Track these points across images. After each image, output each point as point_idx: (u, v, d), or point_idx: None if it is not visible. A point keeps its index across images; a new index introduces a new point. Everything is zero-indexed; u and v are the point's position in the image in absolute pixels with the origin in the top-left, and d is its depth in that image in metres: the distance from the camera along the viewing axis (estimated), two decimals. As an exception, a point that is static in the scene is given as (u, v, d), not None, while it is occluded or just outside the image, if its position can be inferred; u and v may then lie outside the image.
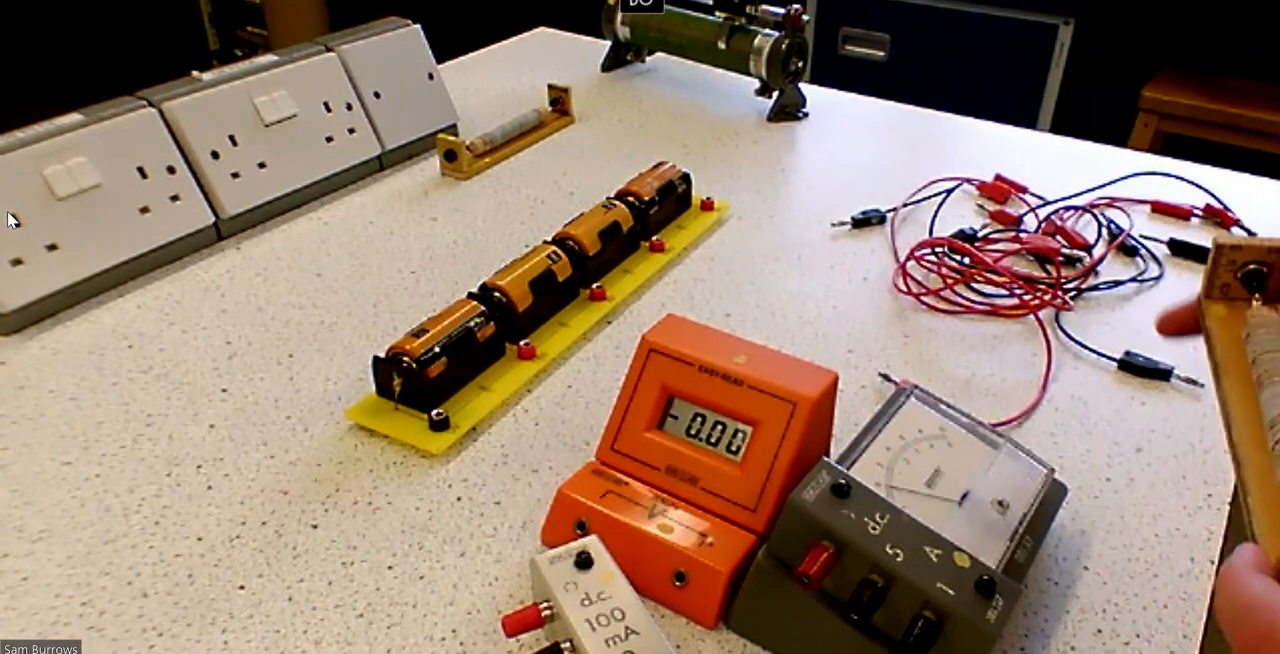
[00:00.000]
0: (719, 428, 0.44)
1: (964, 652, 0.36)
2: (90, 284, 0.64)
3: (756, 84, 0.95)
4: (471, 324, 0.55)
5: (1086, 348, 0.61)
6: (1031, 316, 0.64)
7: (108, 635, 0.41)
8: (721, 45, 0.93)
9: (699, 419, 0.45)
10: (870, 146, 0.92)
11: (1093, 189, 0.79)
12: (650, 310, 0.64)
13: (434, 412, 0.52)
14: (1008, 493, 0.43)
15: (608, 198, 0.69)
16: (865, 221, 0.75)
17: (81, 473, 0.49)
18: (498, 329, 0.57)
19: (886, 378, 0.58)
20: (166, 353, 0.59)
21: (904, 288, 0.67)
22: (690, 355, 0.45)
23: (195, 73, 0.72)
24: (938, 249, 0.69)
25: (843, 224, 0.75)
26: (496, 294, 0.58)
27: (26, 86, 2.78)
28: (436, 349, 0.53)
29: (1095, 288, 0.68)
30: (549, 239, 0.64)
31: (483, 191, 0.80)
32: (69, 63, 2.98)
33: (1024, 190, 0.79)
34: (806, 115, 0.95)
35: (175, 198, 0.67)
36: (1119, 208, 0.77)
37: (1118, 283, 0.68)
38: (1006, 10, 1.90)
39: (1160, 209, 0.77)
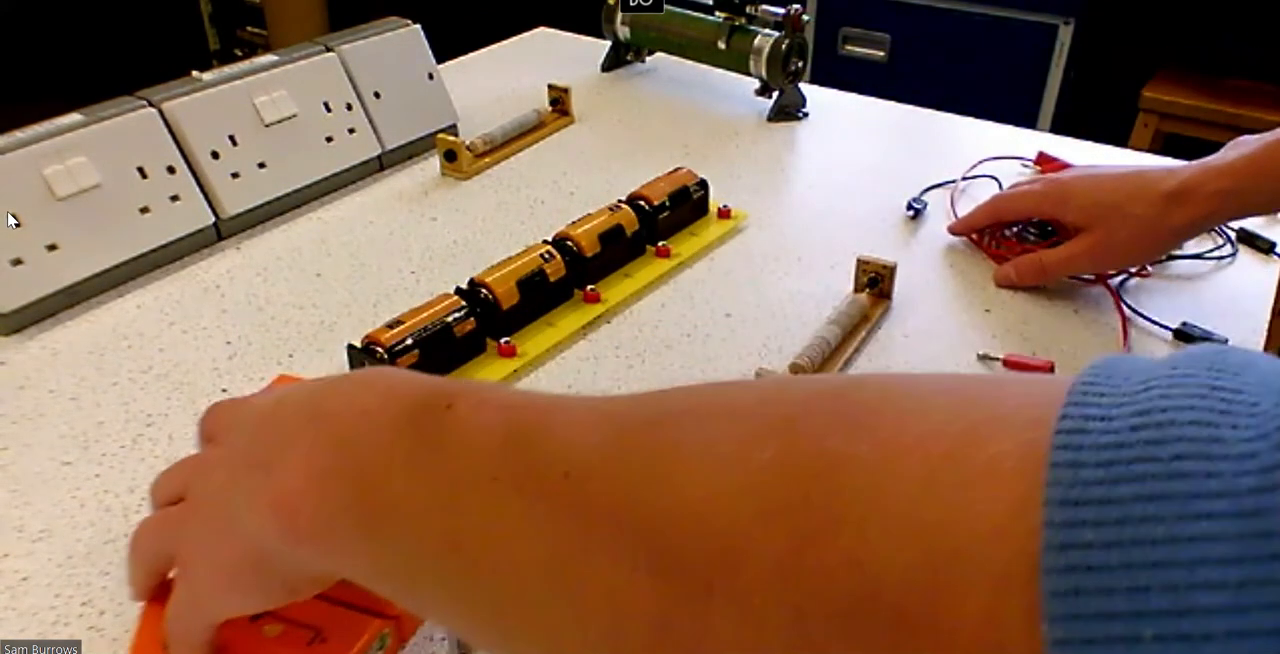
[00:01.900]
0: None
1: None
2: (90, 284, 0.64)
3: (756, 84, 0.95)
4: (450, 318, 0.55)
5: (1146, 317, 0.64)
6: (1102, 287, 0.66)
7: (108, 635, 0.41)
8: (721, 45, 0.93)
9: None
10: (870, 146, 0.92)
11: None
12: (649, 312, 0.64)
13: None
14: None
15: (617, 200, 0.69)
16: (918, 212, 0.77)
17: (81, 473, 0.49)
18: (479, 325, 0.57)
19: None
20: (166, 353, 0.59)
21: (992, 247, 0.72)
22: None
23: (195, 73, 0.72)
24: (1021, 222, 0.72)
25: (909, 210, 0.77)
26: (482, 290, 0.58)
27: (26, 86, 2.78)
28: (409, 340, 0.53)
29: (1165, 260, 0.71)
30: (548, 239, 0.64)
31: (483, 191, 0.80)
32: (69, 63, 2.98)
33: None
34: (806, 115, 0.95)
35: (175, 198, 0.67)
36: None
37: (1195, 257, 0.71)
38: (1006, 10, 1.90)
39: None
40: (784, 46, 0.90)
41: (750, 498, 0.20)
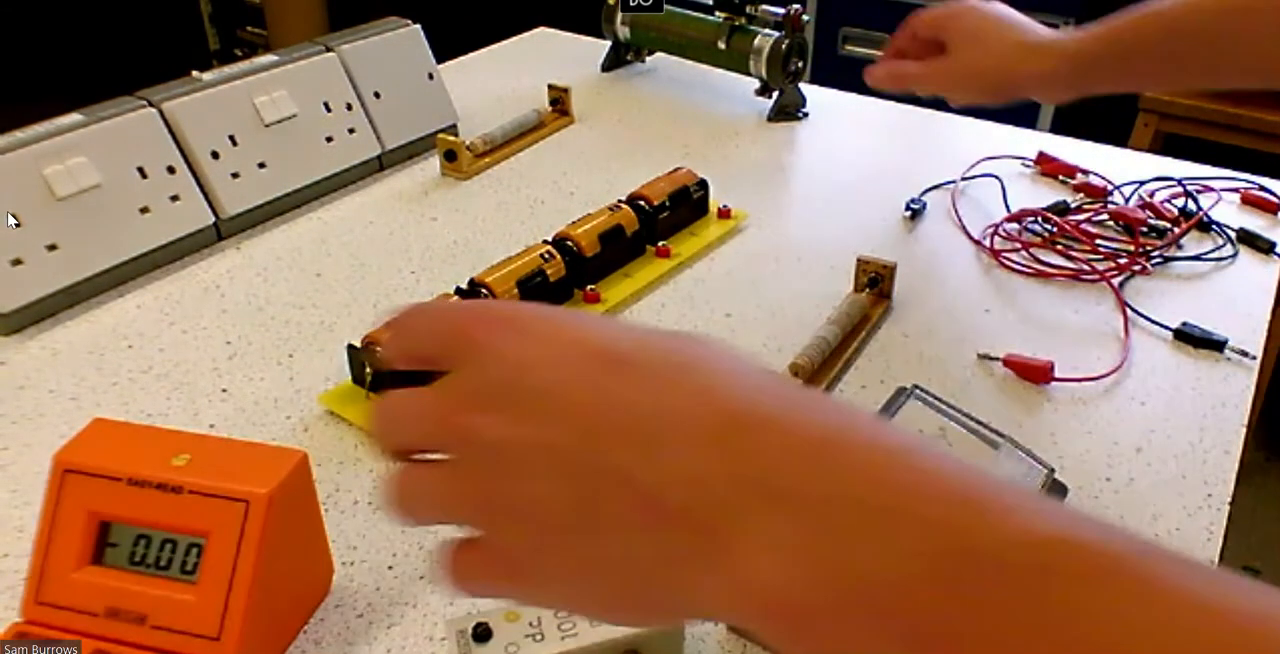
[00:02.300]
0: (168, 547, 0.37)
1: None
2: (90, 284, 0.64)
3: (756, 84, 0.95)
4: None
5: (1146, 317, 0.63)
6: (1105, 285, 0.67)
7: (108, 635, 0.41)
8: (721, 45, 0.93)
9: (143, 542, 0.38)
10: (870, 146, 0.92)
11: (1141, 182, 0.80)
12: (649, 312, 0.64)
13: None
14: (1008, 493, 0.43)
15: (617, 200, 0.69)
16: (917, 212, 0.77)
17: (81, 473, 0.49)
18: None
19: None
20: (166, 353, 0.59)
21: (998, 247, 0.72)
22: (115, 469, 0.37)
23: (195, 73, 0.72)
24: (1025, 220, 0.74)
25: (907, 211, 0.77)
26: (482, 291, 0.58)
27: (26, 86, 2.78)
28: None
29: (1165, 261, 0.70)
30: (548, 239, 0.64)
31: (483, 191, 0.80)
32: (69, 63, 2.98)
33: (1080, 171, 0.82)
34: (806, 115, 0.95)
35: (175, 198, 0.67)
36: (1213, 191, 0.79)
37: (1195, 258, 0.71)
38: (1006, 10, 1.90)
39: (1250, 200, 0.79)
40: (784, 46, 0.90)
41: None
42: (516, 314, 0.27)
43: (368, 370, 0.53)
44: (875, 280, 0.64)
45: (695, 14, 0.96)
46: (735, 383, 0.24)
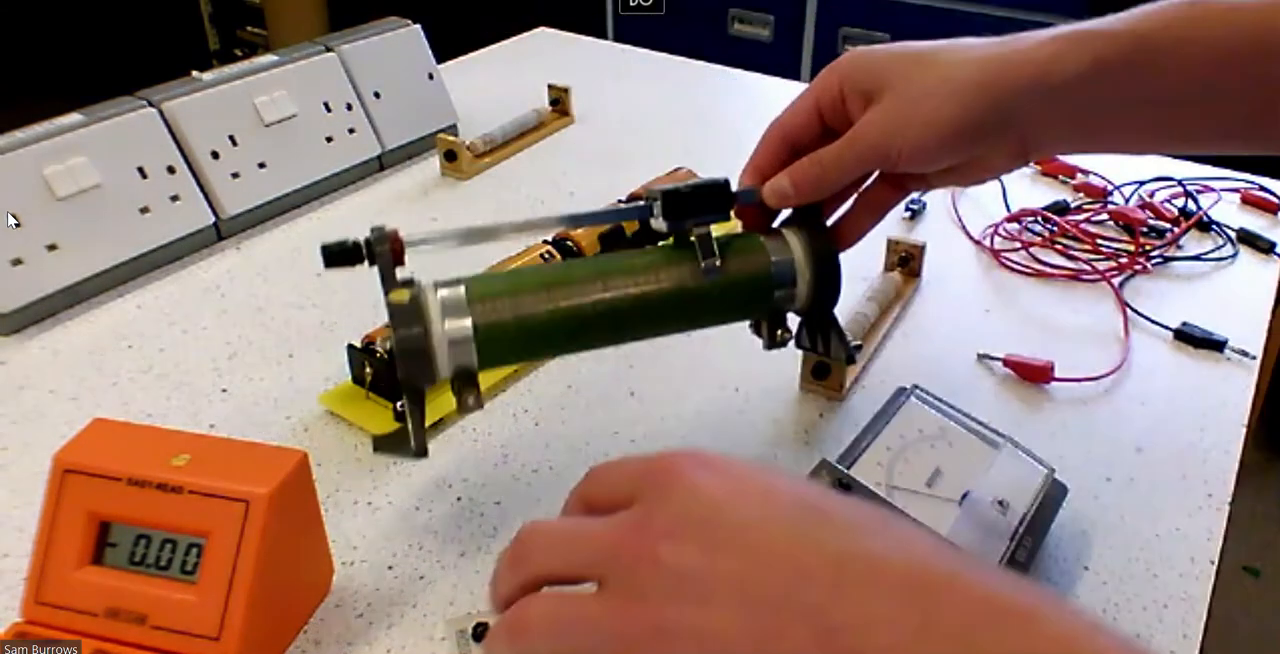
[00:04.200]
0: (168, 547, 0.38)
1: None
2: (90, 284, 0.64)
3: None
4: None
5: (1146, 317, 0.63)
6: (1105, 285, 0.67)
7: (108, 635, 0.40)
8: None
9: (143, 542, 0.38)
10: (870, 146, 0.92)
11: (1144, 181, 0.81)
12: (650, 310, 0.64)
13: (399, 403, 0.51)
14: (1008, 493, 0.43)
15: (617, 200, 0.69)
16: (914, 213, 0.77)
17: (81, 473, 0.49)
18: None
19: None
20: (166, 353, 0.59)
21: (998, 247, 0.72)
22: (115, 469, 0.37)
23: (195, 73, 0.72)
24: (1025, 220, 0.74)
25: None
26: None
27: (27, 86, 2.78)
28: None
29: (1165, 261, 0.70)
30: (548, 239, 0.64)
31: (483, 191, 0.80)
32: (69, 62, 2.98)
33: (1080, 171, 0.82)
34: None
35: (175, 198, 0.67)
36: (1213, 191, 0.79)
37: (1195, 258, 0.71)
38: (1006, 10, 1.90)
39: (1250, 200, 0.79)
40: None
41: None
42: (726, 460, 0.28)
43: (368, 370, 0.53)
44: (905, 259, 0.67)
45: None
46: (922, 539, 0.25)
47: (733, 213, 0.47)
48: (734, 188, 0.46)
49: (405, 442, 0.44)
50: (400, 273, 0.42)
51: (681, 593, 0.25)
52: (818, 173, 0.45)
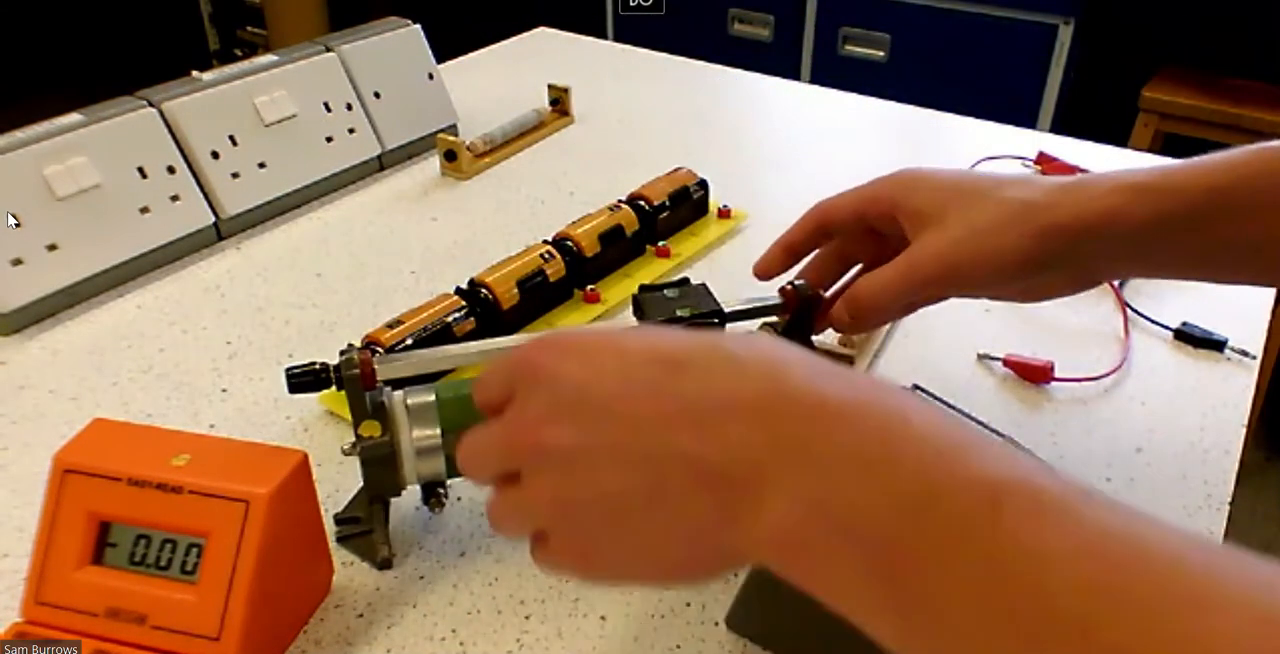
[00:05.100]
0: (168, 547, 0.37)
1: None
2: (90, 284, 0.64)
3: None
4: (449, 319, 0.55)
5: (1146, 317, 0.63)
6: (1105, 285, 0.66)
7: (108, 635, 0.40)
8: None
9: (143, 542, 0.38)
10: (870, 146, 0.92)
11: None
12: (650, 310, 0.64)
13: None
14: (1008, 493, 0.43)
15: (617, 200, 0.69)
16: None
17: (81, 473, 0.49)
18: (479, 325, 0.57)
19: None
20: (166, 353, 0.59)
21: None
22: (115, 469, 0.37)
23: (195, 73, 0.72)
24: None
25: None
26: (483, 291, 0.58)
27: (27, 86, 2.78)
28: (409, 341, 0.53)
29: None
30: (548, 239, 0.64)
31: (483, 191, 0.80)
32: (69, 62, 2.98)
33: (1080, 171, 0.81)
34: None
35: (175, 198, 0.67)
36: None
37: None
38: (1006, 10, 1.90)
39: None
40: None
41: None
42: (578, 339, 0.31)
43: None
44: None
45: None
46: (772, 363, 0.28)
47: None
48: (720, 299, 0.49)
49: (369, 546, 0.45)
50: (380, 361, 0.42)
51: (573, 468, 0.29)
52: (868, 307, 0.46)
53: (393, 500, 0.48)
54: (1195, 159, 0.43)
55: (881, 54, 2.09)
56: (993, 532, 0.23)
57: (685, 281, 0.51)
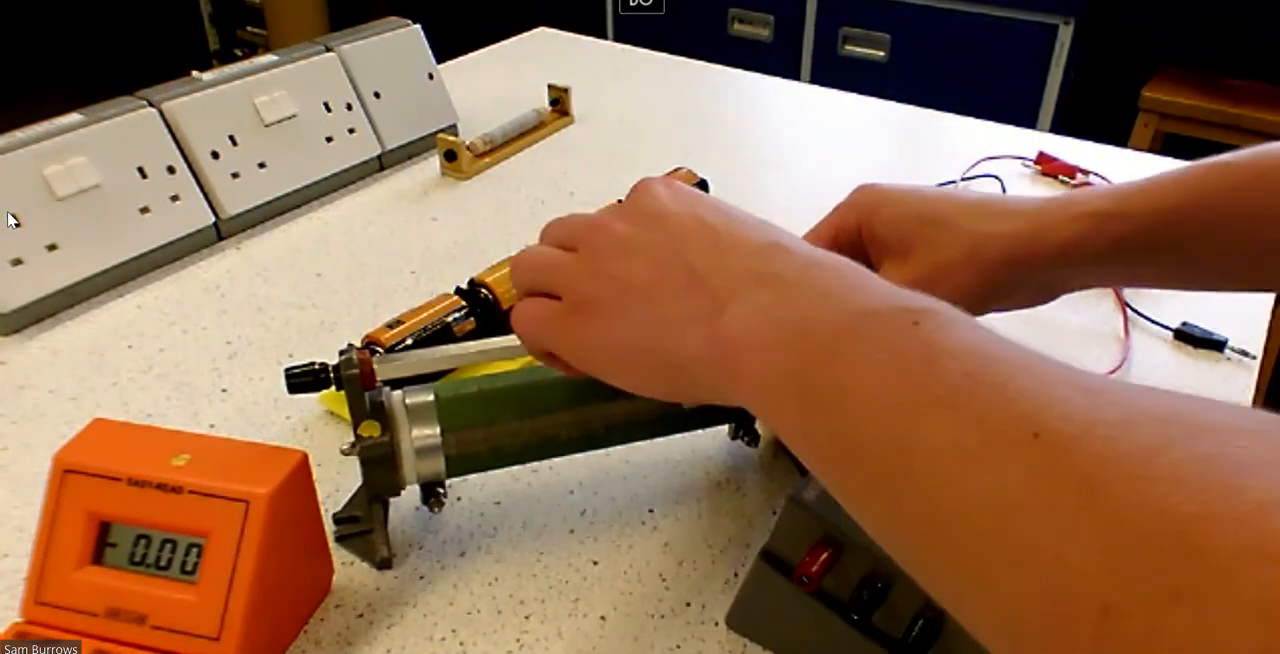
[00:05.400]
0: (168, 547, 0.37)
1: (964, 651, 0.36)
2: (90, 284, 0.64)
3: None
4: (449, 318, 0.55)
5: (1146, 317, 0.63)
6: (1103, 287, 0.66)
7: (108, 635, 0.40)
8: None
9: (143, 542, 0.38)
10: (870, 146, 0.92)
11: None
12: (650, 310, 0.64)
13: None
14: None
15: (617, 200, 0.69)
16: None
17: (81, 473, 0.49)
18: (479, 325, 0.57)
19: None
20: (166, 353, 0.59)
21: None
22: (115, 469, 0.37)
23: (195, 73, 0.72)
24: None
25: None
26: (483, 291, 0.58)
27: (26, 86, 2.78)
28: (409, 341, 0.53)
29: None
30: (549, 239, 0.64)
31: (483, 191, 0.80)
32: (69, 62, 2.98)
33: (1080, 171, 0.82)
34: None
35: (175, 198, 0.67)
36: None
37: None
38: (1006, 10, 1.90)
39: None
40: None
41: (1250, 533, 0.19)
42: (674, 181, 0.39)
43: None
44: None
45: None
46: (789, 235, 0.35)
47: None
48: None
49: (368, 546, 0.45)
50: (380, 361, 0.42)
51: (618, 250, 0.36)
52: None
53: (392, 500, 0.48)
54: (1153, 178, 0.45)
55: (881, 54, 2.09)
56: (907, 335, 0.28)
57: None
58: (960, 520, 0.24)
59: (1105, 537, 0.20)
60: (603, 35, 1.03)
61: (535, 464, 0.51)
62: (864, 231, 0.46)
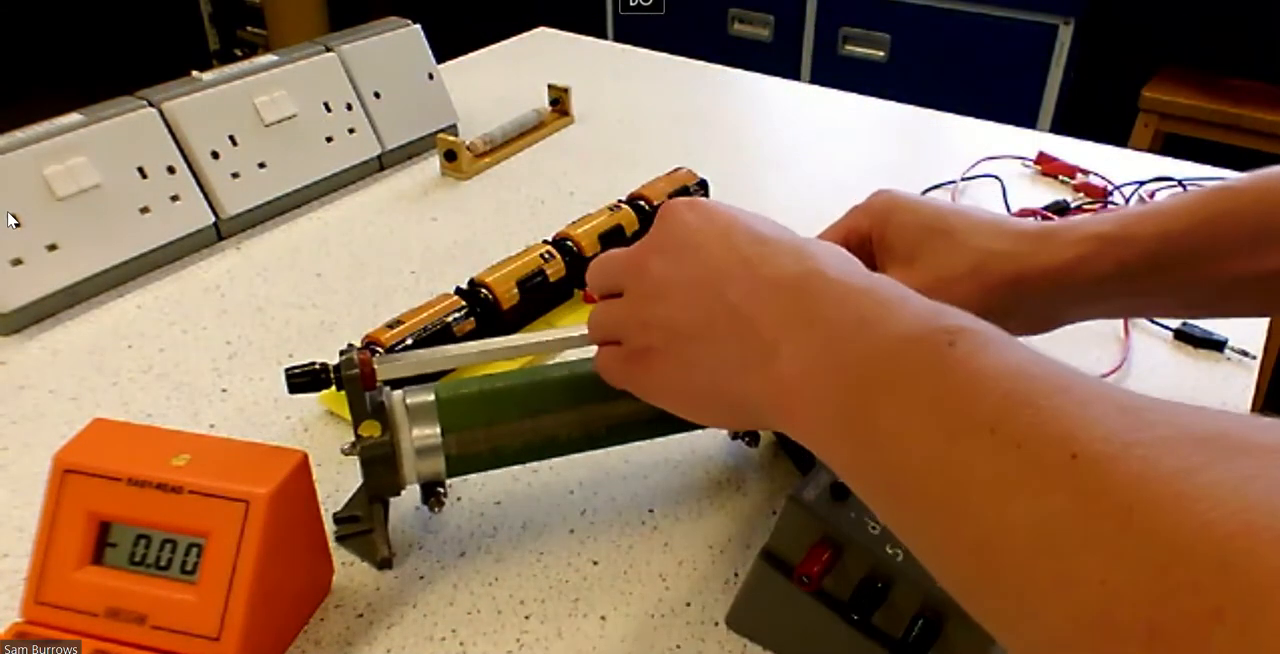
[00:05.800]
0: (168, 547, 0.37)
1: (964, 651, 0.36)
2: (90, 284, 0.64)
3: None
4: (449, 318, 0.55)
5: (1146, 317, 0.63)
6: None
7: (108, 635, 0.40)
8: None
9: (143, 542, 0.38)
10: (870, 146, 0.92)
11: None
12: (650, 310, 0.64)
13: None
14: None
15: (617, 200, 0.69)
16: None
17: (81, 473, 0.49)
18: (479, 325, 0.57)
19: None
20: (166, 353, 0.59)
21: None
22: (115, 469, 0.37)
23: (195, 73, 0.72)
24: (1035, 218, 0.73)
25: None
26: (483, 290, 0.58)
27: (26, 86, 2.79)
28: (409, 341, 0.53)
29: None
30: (548, 239, 0.64)
31: (483, 191, 0.80)
32: (69, 62, 2.98)
33: (1080, 171, 0.82)
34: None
35: (175, 198, 0.67)
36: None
37: None
38: (1006, 10, 1.90)
39: None
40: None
41: None
42: (700, 201, 0.39)
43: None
44: None
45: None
46: (823, 255, 0.35)
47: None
48: None
49: (368, 546, 0.44)
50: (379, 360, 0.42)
51: (657, 295, 0.37)
52: None
53: (392, 500, 0.48)
54: (1158, 202, 0.45)
55: (881, 54, 2.09)
56: (944, 360, 0.28)
57: None
58: (1003, 547, 0.24)
59: (1146, 557, 0.21)
60: (603, 35, 1.03)
61: (535, 464, 0.51)
62: (874, 236, 0.47)
